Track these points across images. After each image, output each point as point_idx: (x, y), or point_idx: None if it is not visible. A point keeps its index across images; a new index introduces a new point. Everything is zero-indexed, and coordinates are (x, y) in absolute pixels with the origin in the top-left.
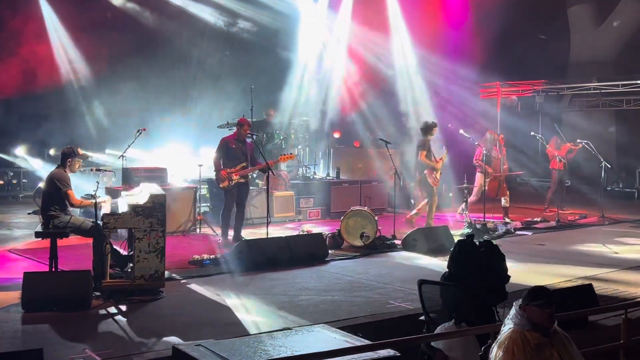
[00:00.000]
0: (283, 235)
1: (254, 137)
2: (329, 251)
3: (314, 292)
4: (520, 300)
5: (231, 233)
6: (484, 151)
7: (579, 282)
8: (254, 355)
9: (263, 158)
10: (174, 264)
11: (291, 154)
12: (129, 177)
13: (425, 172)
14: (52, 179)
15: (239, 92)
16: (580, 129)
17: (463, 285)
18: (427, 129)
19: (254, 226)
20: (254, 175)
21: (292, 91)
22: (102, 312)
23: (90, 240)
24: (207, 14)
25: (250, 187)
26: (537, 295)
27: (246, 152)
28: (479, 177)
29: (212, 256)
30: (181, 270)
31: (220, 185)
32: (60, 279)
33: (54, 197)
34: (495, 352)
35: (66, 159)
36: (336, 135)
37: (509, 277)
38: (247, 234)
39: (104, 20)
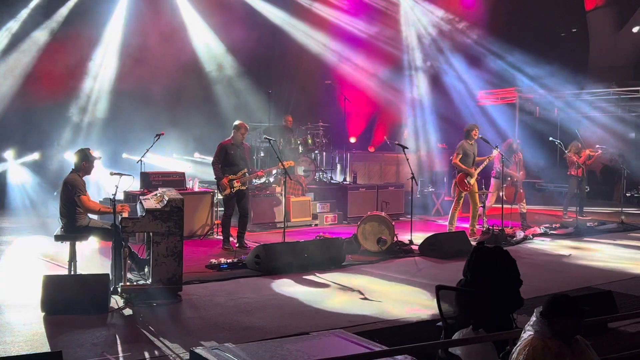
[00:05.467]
0: (300, 240)
1: (271, 141)
2: (346, 256)
3: (331, 297)
4: (542, 307)
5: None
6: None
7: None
8: (271, 359)
9: (280, 162)
10: (191, 268)
11: (287, 161)
12: (147, 182)
13: (458, 175)
14: (66, 184)
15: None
16: (599, 135)
17: (480, 291)
18: (466, 132)
19: (272, 230)
20: (271, 180)
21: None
22: (120, 315)
23: (109, 244)
24: None
25: (267, 192)
26: (567, 307)
27: (244, 156)
28: (494, 183)
29: (229, 260)
30: (198, 274)
31: (223, 194)
32: (79, 282)
33: (70, 201)
34: (514, 358)
35: (80, 162)
36: (352, 140)
37: (522, 281)
38: (264, 238)
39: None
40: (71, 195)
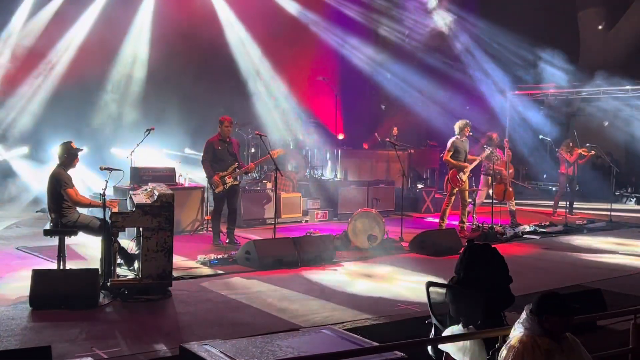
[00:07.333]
0: (290, 236)
1: (262, 137)
2: (336, 253)
3: (321, 293)
4: (532, 305)
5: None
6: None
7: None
8: (261, 355)
9: (269, 153)
10: (181, 264)
11: (281, 149)
12: (138, 176)
13: (451, 171)
14: (51, 179)
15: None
16: (589, 133)
17: (471, 288)
18: (457, 129)
19: (262, 227)
20: (262, 176)
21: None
22: (110, 310)
23: (98, 239)
24: None
25: (258, 189)
26: (556, 304)
27: (232, 151)
28: (483, 180)
29: (219, 256)
30: (188, 269)
31: (216, 191)
32: (68, 277)
33: (58, 196)
34: (504, 355)
35: (62, 155)
36: (340, 136)
37: (512, 278)
38: (255, 234)
39: None
40: (57, 190)
